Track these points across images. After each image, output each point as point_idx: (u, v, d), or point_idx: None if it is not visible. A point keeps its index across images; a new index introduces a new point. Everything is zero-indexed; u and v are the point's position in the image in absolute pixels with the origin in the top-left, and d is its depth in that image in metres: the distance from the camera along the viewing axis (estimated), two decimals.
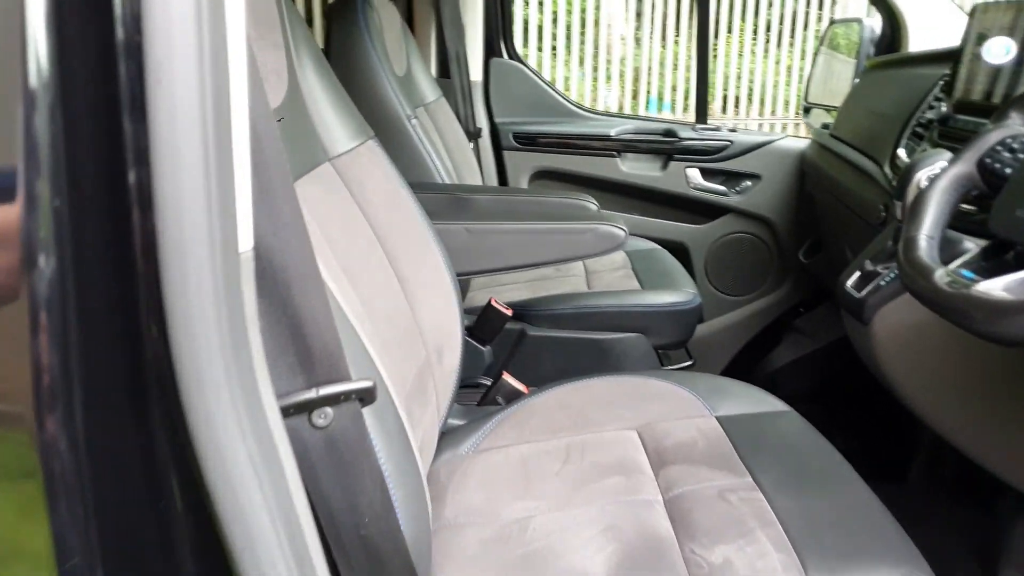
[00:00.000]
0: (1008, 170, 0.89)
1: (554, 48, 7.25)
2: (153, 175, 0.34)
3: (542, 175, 2.20)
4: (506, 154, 2.16)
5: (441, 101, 1.87)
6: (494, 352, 1.48)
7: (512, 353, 1.50)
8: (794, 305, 2.21)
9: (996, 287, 0.77)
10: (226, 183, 0.37)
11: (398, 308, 0.95)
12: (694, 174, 2.12)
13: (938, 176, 0.96)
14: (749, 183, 2.11)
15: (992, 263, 0.85)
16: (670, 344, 1.58)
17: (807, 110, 2.27)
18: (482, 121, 2.14)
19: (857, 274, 1.23)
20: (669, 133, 2.13)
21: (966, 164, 0.95)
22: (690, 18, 7.30)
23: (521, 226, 1.24)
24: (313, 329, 0.53)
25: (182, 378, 0.36)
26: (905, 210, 1.12)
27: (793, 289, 2.18)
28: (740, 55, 7.38)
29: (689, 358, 1.78)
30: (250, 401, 0.40)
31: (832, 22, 2.53)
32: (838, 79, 2.17)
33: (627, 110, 7.52)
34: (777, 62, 7.40)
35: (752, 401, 1.12)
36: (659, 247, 1.92)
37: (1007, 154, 0.91)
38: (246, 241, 0.41)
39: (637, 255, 1.85)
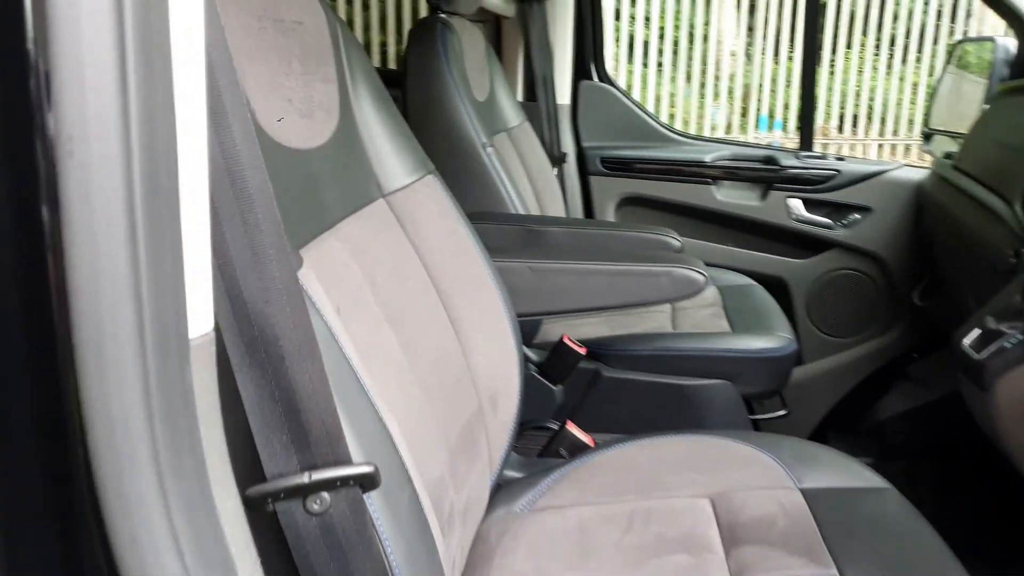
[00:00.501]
0: None
1: (660, 64, 7.09)
2: (66, 264, 0.29)
3: (630, 202, 2.10)
4: (592, 180, 2.08)
5: (525, 126, 1.82)
6: (565, 392, 1.40)
7: (585, 394, 1.41)
8: (905, 351, 2.01)
9: None
10: (164, 265, 0.32)
11: (448, 353, 0.89)
12: (796, 205, 1.96)
13: None
14: (858, 216, 1.94)
15: None
16: (760, 393, 1.45)
17: (927, 136, 2.07)
18: (568, 146, 2.07)
19: (977, 332, 1.08)
20: (770, 161, 1.98)
21: None
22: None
23: (588, 266, 1.16)
24: (309, 405, 0.48)
25: (104, 497, 0.31)
26: None
27: (905, 333, 1.99)
28: (860, 71, 6.98)
29: (783, 406, 1.63)
30: (194, 513, 0.34)
31: (961, 40, 2.32)
32: (965, 103, 1.96)
33: (735, 129, 7.26)
34: (901, 79, 6.96)
35: (845, 473, 0.99)
36: (754, 283, 1.79)
37: None
38: (202, 323, 0.36)
39: (730, 291, 1.72)
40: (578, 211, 2.06)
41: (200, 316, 0.35)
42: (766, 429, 1.78)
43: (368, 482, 0.50)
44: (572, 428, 1.11)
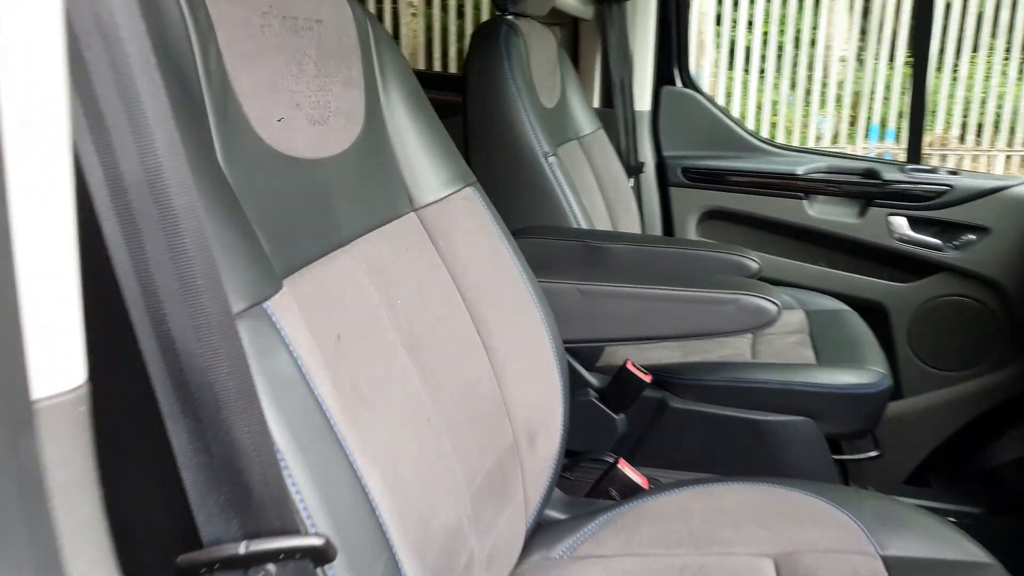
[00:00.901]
0: None
1: (763, 71, 6.81)
2: None
3: (712, 216, 1.96)
4: (672, 191, 1.95)
5: (599, 134, 1.72)
6: (628, 422, 1.29)
7: (649, 426, 1.30)
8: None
9: None
10: None
11: (479, 384, 0.81)
12: (900, 223, 1.78)
13: None
14: (972, 237, 1.74)
15: None
16: (846, 434, 1.30)
17: None
18: (647, 155, 1.95)
19: None
20: (871, 174, 1.81)
21: None
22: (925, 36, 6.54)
23: (643, 291, 1.05)
24: (249, 463, 0.41)
25: None
26: None
27: None
28: (987, 77, 6.48)
29: (875, 447, 1.47)
30: None
31: None
32: None
33: (843, 138, 6.89)
34: None
35: (939, 542, 0.85)
36: (847, 308, 1.62)
37: None
38: (64, 377, 0.29)
39: (819, 317, 1.57)
40: (656, 225, 1.94)
41: (61, 369, 0.29)
42: (854, 471, 1.61)
43: (319, 556, 0.42)
44: (624, 467, 1.01)
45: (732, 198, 1.90)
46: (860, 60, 6.83)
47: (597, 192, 1.63)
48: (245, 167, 0.58)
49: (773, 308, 1.02)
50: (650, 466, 1.28)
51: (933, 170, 1.77)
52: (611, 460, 1.10)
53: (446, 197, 0.84)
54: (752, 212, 1.89)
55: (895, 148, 6.75)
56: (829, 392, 1.25)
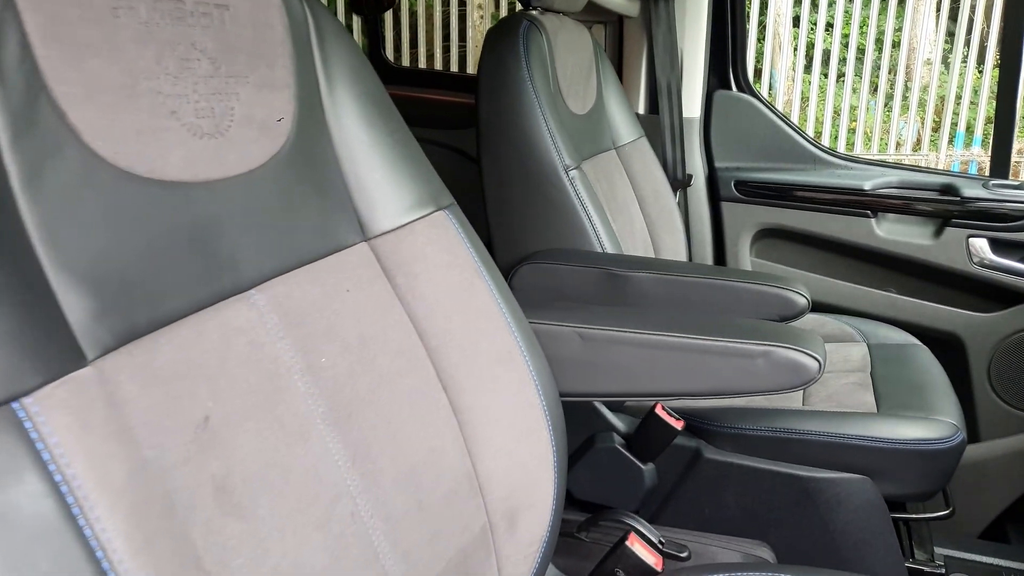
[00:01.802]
0: None
1: (841, 75, 6.49)
2: None
3: (768, 235, 1.78)
4: (724, 206, 1.78)
5: (641, 143, 1.56)
6: (658, 473, 1.14)
7: (682, 479, 1.15)
8: None
9: None
10: None
11: (439, 456, 0.67)
12: (981, 246, 1.57)
13: None
14: None
15: None
16: (910, 496, 1.12)
17: None
18: (697, 167, 1.79)
19: None
20: (949, 190, 1.60)
21: None
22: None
23: (652, 337, 0.89)
24: None
25: None
26: None
27: None
28: None
29: (946, 504, 1.28)
30: None
31: None
32: None
33: (925, 145, 6.50)
34: None
35: None
36: (917, 343, 1.43)
37: None
38: None
39: (883, 352, 1.38)
40: (706, 244, 1.78)
41: None
42: (918, 529, 1.42)
43: None
44: (636, 544, 0.86)
45: (791, 215, 1.72)
46: (946, 63, 6.44)
47: (636, 208, 1.48)
48: (64, 195, 0.45)
49: (814, 364, 0.85)
50: (680, 526, 1.13)
51: (1021, 186, 1.56)
52: (632, 524, 0.96)
53: (409, 223, 0.70)
54: (813, 231, 1.71)
55: (981, 154, 6.35)
56: (890, 448, 1.08)
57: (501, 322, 0.75)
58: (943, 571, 1.13)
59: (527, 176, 1.20)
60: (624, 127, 1.54)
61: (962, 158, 6.44)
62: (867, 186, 1.65)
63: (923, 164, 6.43)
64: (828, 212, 1.69)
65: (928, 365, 1.34)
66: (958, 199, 1.58)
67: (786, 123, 1.79)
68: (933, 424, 1.11)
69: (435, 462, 0.67)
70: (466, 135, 1.84)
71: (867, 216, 1.66)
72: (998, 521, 1.66)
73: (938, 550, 1.53)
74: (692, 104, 1.76)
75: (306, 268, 0.61)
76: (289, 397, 0.56)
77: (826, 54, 6.40)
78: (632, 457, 1.11)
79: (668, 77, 1.64)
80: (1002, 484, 1.64)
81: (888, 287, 1.68)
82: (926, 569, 1.14)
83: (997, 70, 6.16)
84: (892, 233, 1.65)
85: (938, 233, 1.61)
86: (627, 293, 1.14)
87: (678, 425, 1.09)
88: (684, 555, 0.90)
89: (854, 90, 6.47)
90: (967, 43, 6.23)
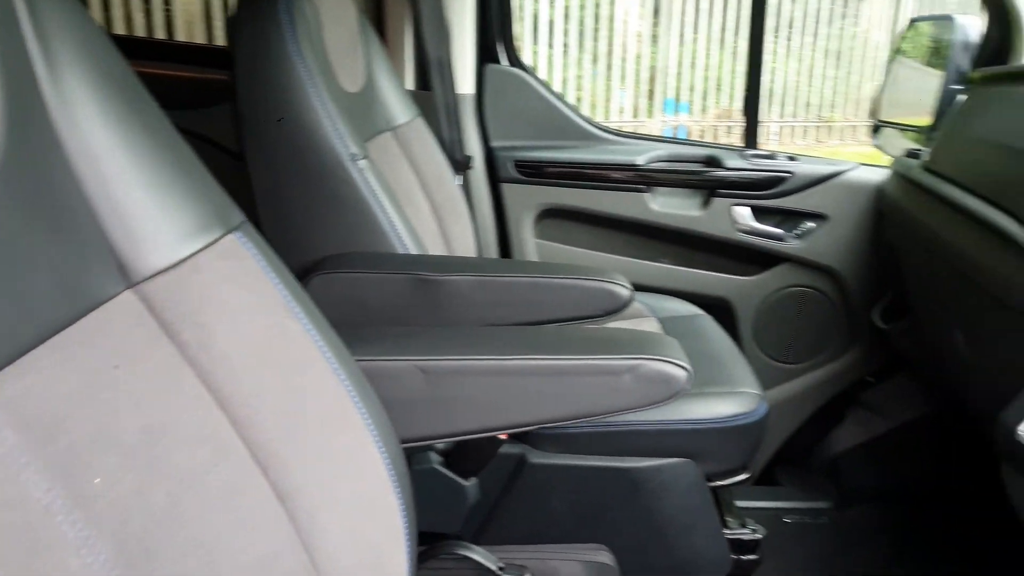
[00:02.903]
0: None
1: (566, 45, 6.83)
2: None
3: (550, 214, 1.75)
4: (504, 188, 1.72)
5: (417, 123, 1.43)
6: (482, 487, 1.04)
7: (507, 490, 1.07)
8: (863, 376, 1.77)
9: None
10: None
11: (272, 563, 0.51)
12: (743, 213, 1.67)
13: None
14: (812, 225, 1.66)
15: None
16: (728, 471, 1.14)
17: (876, 129, 1.82)
18: (474, 146, 1.69)
19: None
20: (712, 161, 1.68)
21: None
22: (711, 14, 6.89)
23: (509, 363, 0.77)
24: None
25: None
26: None
27: (862, 357, 1.74)
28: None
29: (745, 469, 1.34)
30: None
31: (914, 20, 2.08)
32: (922, 92, 1.72)
33: (642, 112, 7.11)
34: (799, 60, 7.02)
35: None
36: (701, 312, 1.48)
37: None
38: None
39: (674, 325, 1.40)
40: (488, 229, 1.70)
41: None
42: (725, 495, 1.48)
43: None
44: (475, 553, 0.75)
45: (570, 193, 1.70)
46: (654, 37, 7.05)
47: (420, 194, 1.35)
48: None
49: (682, 374, 0.80)
50: (514, 540, 1.04)
51: (772, 155, 1.68)
52: (462, 553, 0.85)
53: (191, 256, 0.51)
54: (592, 209, 1.70)
55: (689, 120, 7.10)
56: (709, 428, 1.08)
57: (325, 370, 0.59)
58: (760, 535, 1.17)
59: (306, 169, 1.01)
60: (398, 106, 1.39)
61: (672, 123, 7.14)
62: (640, 161, 1.68)
63: (642, 131, 7.04)
64: (606, 189, 1.69)
65: (717, 335, 1.39)
66: (722, 171, 1.65)
67: (559, 100, 1.76)
68: (741, 398, 1.13)
69: (264, 573, 0.50)
70: (208, 117, 1.57)
71: (642, 191, 1.69)
72: (769, 467, 1.82)
73: (741, 504, 1.62)
74: (465, 79, 1.66)
75: (48, 346, 0.41)
76: (56, 555, 0.36)
77: (551, 25, 6.71)
78: (452, 475, 1.00)
79: (438, 50, 1.52)
80: (771, 433, 1.78)
81: (665, 259, 1.73)
82: (744, 536, 1.17)
83: (695, 43, 6.89)
84: (665, 206, 1.70)
85: (706, 203, 1.68)
86: (441, 300, 1.01)
87: (501, 435, 1.00)
88: None
89: (578, 61, 6.86)
90: (670, 18, 6.87)
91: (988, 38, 1.54)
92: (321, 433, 0.57)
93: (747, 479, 1.29)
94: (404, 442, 0.66)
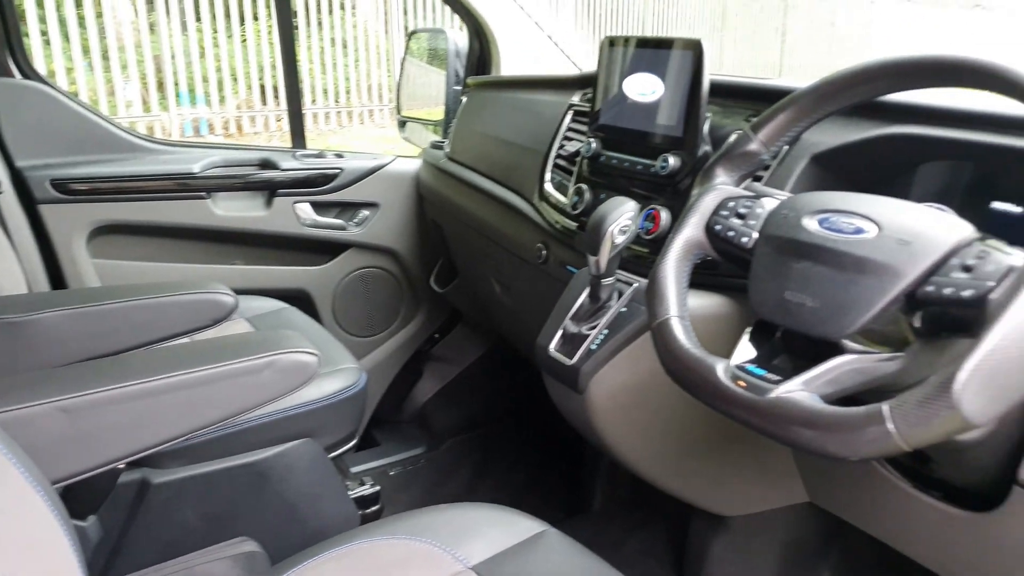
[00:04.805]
0: (744, 239, 0.82)
1: (45, 35, 6.00)
2: None
3: (106, 231, 1.64)
4: (44, 210, 1.55)
5: None
6: (103, 524, 1.01)
7: (131, 519, 1.04)
8: (431, 335, 2.08)
9: (800, 389, 0.68)
10: None
11: None
12: (305, 209, 1.80)
13: (667, 247, 0.86)
14: (367, 213, 1.88)
15: (764, 349, 0.77)
16: (342, 440, 1.28)
17: (403, 124, 2.12)
18: None
19: (559, 335, 1.10)
20: (267, 164, 1.77)
21: (694, 230, 0.86)
22: (212, 3, 6.72)
23: (151, 384, 0.78)
24: None
25: None
26: (600, 265, 1.02)
27: (428, 319, 2.04)
28: (271, 44, 7.10)
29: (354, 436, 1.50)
30: None
31: (413, 32, 2.42)
32: (430, 92, 2.05)
33: (155, 106, 6.65)
34: (309, 49, 7.32)
35: (505, 529, 0.91)
36: (285, 305, 1.58)
37: (735, 220, 0.84)
38: None
39: (264, 323, 1.48)
40: (32, 256, 1.52)
41: None
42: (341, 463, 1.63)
43: None
44: None
45: (125, 208, 1.62)
46: (152, 26, 6.61)
47: None
48: None
49: (313, 360, 0.90)
50: (145, 566, 1.04)
51: (321, 154, 1.83)
52: None
53: None
54: (154, 221, 1.65)
55: (209, 113, 6.87)
56: (323, 406, 1.21)
57: None
58: (378, 487, 1.34)
59: None
60: None
61: (192, 116, 6.83)
62: (196, 168, 1.68)
63: (157, 125, 6.60)
64: (164, 200, 1.66)
65: (305, 322, 1.51)
66: (278, 171, 1.75)
67: (91, 112, 1.64)
68: (344, 373, 1.28)
69: None
70: None
71: (203, 198, 1.69)
72: (367, 433, 2.02)
73: (353, 470, 1.78)
74: None
75: None
76: None
77: (22, 14, 5.82)
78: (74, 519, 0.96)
79: None
80: (367, 400, 1.98)
81: (237, 260, 1.77)
82: (365, 493, 1.33)
83: (200, 32, 6.67)
84: (229, 210, 1.74)
85: (269, 203, 1.77)
86: (34, 343, 0.93)
87: (120, 464, 0.98)
88: None
89: (64, 52, 6.09)
90: (167, 9, 6.51)
91: (472, 49, 1.91)
92: None
93: (356, 445, 1.46)
94: (55, 483, 0.65)
